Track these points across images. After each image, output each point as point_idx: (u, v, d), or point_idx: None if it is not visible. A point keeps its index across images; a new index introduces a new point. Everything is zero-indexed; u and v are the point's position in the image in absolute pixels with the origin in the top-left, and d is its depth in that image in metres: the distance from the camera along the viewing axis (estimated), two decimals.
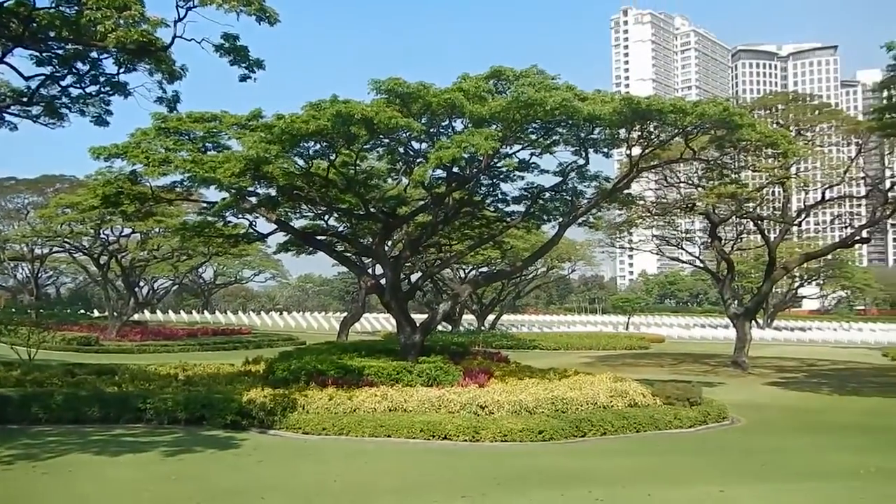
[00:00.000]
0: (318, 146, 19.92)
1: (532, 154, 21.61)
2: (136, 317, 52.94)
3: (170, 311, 76.20)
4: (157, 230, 44.52)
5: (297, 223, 26.61)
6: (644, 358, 38.93)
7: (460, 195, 22.50)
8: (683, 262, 53.80)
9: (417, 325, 21.83)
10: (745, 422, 17.67)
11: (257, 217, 23.29)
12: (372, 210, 23.09)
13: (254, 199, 22.19)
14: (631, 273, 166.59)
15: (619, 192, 23.97)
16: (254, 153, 17.95)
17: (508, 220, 25.44)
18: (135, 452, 12.50)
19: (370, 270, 32.49)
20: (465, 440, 13.68)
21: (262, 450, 13.03)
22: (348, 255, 27.47)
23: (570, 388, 16.77)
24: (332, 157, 20.26)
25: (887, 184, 37.18)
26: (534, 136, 20.25)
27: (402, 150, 21.39)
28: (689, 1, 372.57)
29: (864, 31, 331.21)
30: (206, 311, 79.17)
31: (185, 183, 22.36)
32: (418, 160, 20.86)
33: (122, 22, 12.72)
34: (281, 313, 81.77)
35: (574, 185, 23.46)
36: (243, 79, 14.61)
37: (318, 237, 25.75)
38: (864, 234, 37.80)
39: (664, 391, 17.75)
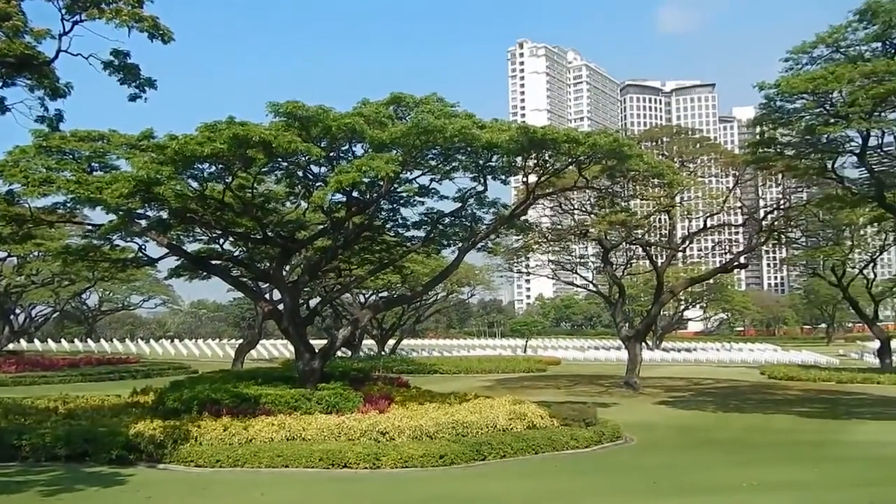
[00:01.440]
0: (213, 168, 19.36)
1: (432, 180, 21.84)
2: (10, 346, 49.12)
3: (49, 340, 71.01)
4: (36, 254, 41.71)
5: (191, 247, 25.69)
6: (542, 380, 39.75)
7: (360, 220, 22.40)
8: (578, 286, 55.68)
9: (316, 351, 21.41)
10: (637, 440, 18.33)
11: (147, 241, 22.30)
12: (270, 234, 22.60)
13: (144, 222, 21.24)
14: (528, 297, 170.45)
15: (516, 219, 24.54)
16: (144, 174, 17.22)
17: (409, 244, 25.53)
18: (8, 493, 11.52)
19: (267, 296, 31.66)
20: (366, 468, 13.47)
21: (151, 486, 12.33)
22: (244, 280, 26.70)
23: (471, 412, 16.90)
24: (228, 180, 19.72)
25: (761, 213, 40.07)
26: (434, 162, 20.48)
27: (301, 173, 21.13)
28: (580, 37, 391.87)
29: (738, 70, 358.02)
30: (90, 340, 74.39)
31: (68, 204, 21.10)
32: (318, 184, 20.65)
33: (1, 33, 11.95)
34: (172, 341, 78.04)
35: (473, 211, 23.85)
36: (133, 98, 13.98)
37: (213, 262, 24.91)
38: (742, 259, 40.46)
39: (561, 412, 18.18)
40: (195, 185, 20.33)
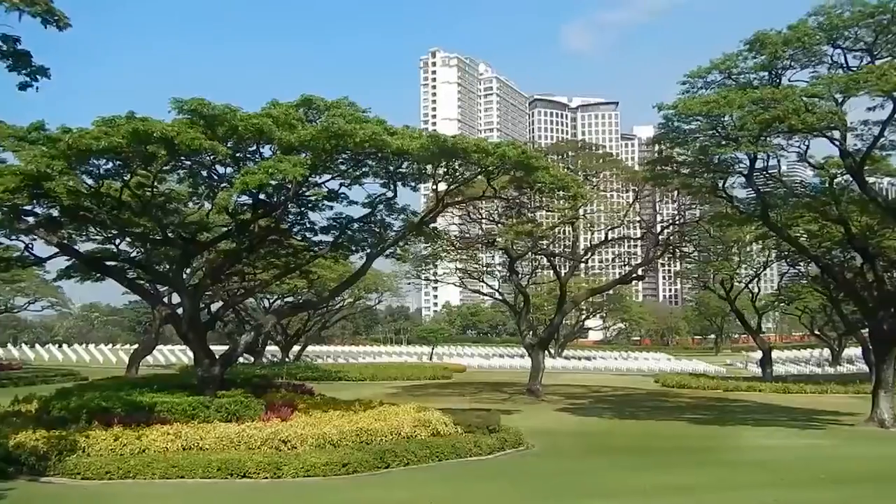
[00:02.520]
0: (110, 164, 18.44)
1: (342, 184, 21.64)
2: None
3: None
4: None
5: (84, 247, 24.35)
6: (447, 387, 40.01)
7: (267, 223, 21.91)
8: (484, 294, 56.39)
9: (217, 357, 20.72)
10: (538, 447, 18.74)
11: (35, 239, 20.96)
12: (170, 235, 21.71)
13: (31, 219, 19.97)
14: (436, 304, 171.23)
15: (425, 226, 24.66)
16: (33, 168, 16.21)
17: (316, 249, 25.16)
18: None
19: (166, 299, 30.42)
20: (267, 477, 13.13)
21: (32, 500, 11.56)
22: (141, 282, 25.52)
23: (376, 420, 16.82)
24: (126, 178, 18.84)
25: (658, 228, 42.01)
26: (344, 167, 20.31)
27: (205, 173, 20.43)
28: (492, 49, 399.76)
29: (639, 90, 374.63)
30: None
31: None
32: (223, 185, 20.05)
33: None
34: (60, 346, 73.54)
35: (382, 217, 23.80)
36: (23, 87, 13.11)
37: (108, 263, 23.68)
38: (640, 271, 42.26)
39: (465, 419, 18.36)
40: (90, 181, 19.32)
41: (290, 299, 49.34)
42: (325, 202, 22.45)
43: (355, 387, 38.96)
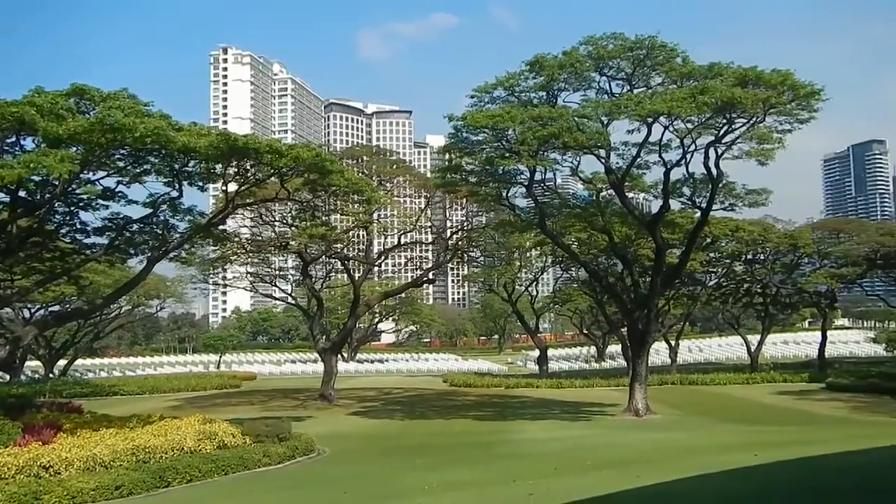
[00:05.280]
0: None
1: (119, 182, 19.97)
2: None
3: None
4: None
5: None
6: (236, 397, 38.40)
7: (28, 223, 19.59)
8: (277, 298, 55.00)
9: None
10: (330, 452, 18.63)
11: None
12: None
13: None
14: (224, 310, 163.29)
15: (214, 228, 23.54)
16: None
17: (88, 252, 22.92)
18: None
19: None
20: None
21: None
22: None
23: (155, 435, 15.64)
24: None
25: (448, 233, 43.79)
26: (122, 163, 18.76)
27: None
28: (287, 50, 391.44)
29: (432, 100, 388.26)
30: None
31: None
32: None
33: None
34: None
35: (166, 218, 22.32)
36: None
37: None
38: (431, 275, 43.75)
39: (254, 429, 17.74)
40: None
41: (55, 308, 44.48)
42: (100, 201, 20.53)
43: (133, 401, 36.01)
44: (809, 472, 12.08)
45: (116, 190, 20.24)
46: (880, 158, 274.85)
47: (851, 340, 73.13)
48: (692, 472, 12.11)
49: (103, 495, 12.41)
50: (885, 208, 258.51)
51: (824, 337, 48.41)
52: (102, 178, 19.37)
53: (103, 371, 61.47)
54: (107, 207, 21.23)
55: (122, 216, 21.84)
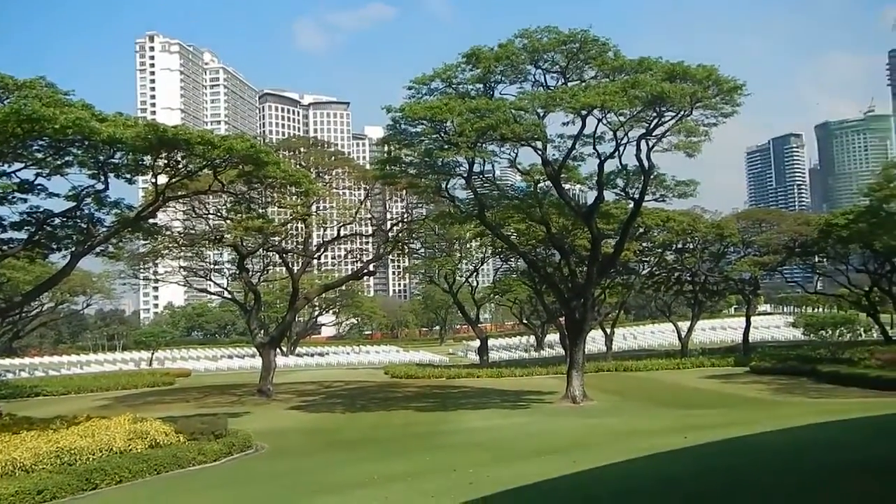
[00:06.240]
0: None
1: (38, 174, 19.06)
2: None
3: None
4: None
5: None
6: (169, 394, 37.35)
7: None
8: (212, 293, 53.66)
9: None
10: (269, 447, 18.34)
11: None
12: None
13: None
14: (156, 306, 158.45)
15: (143, 221, 22.80)
16: None
17: (5, 248, 21.83)
18: None
19: None
20: None
21: None
22: None
23: (81, 437, 15.05)
24: None
25: (388, 225, 43.59)
26: (41, 155, 17.92)
27: None
28: (217, 39, 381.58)
29: (371, 92, 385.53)
30: None
31: None
32: None
33: None
34: None
35: (91, 212, 21.48)
36: None
37: None
38: (371, 267, 43.45)
39: (189, 427, 17.31)
40: None
41: None
42: (17, 194, 19.54)
43: (57, 402, 34.61)
44: (734, 452, 12.56)
45: (35, 183, 19.33)
46: (797, 151, 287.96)
47: (773, 325, 76.23)
48: (627, 456, 12.43)
49: (24, 500, 11.87)
50: (803, 199, 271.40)
51: (748, 322, 50.40)
52: (19, 170, 18.50)
53: (24, 371, 58.68)
54: (25, 201, 20.29)
55: (42, 210, 20.91)
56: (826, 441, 13.42)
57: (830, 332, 51.77)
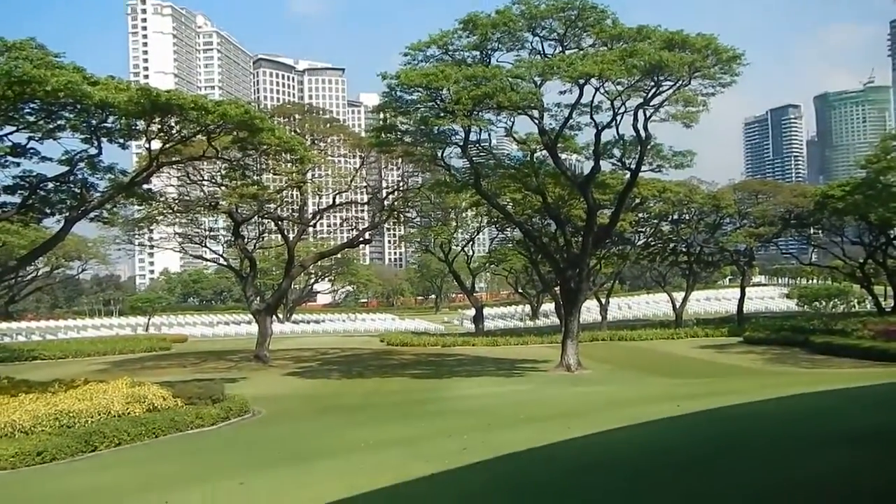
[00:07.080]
0: None
1: (31, 138, 18.91)
2: None
3: None
4: None
5: None
6: (166, 359, 37.55)
7: None
8: (207, 260, 53.63)
9: None
10: (265, 413, 18.49)
11: None
12: None
13: None
14: (152, 272, 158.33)
15: (137, 187, 22.68)
16: None
17: None
18: None
19: None
20: None
21: None
22: None
23: (79, 400, 15.17)
24: None
25: (384, 193, 43.44)
26: (32, 118, 17.73)
27: None
28: (210, 2, 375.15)
29: (367, 58, 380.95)
30: None
31: None
32: None
33: None
34: None
35: (84, 177, 21.35)
36: None
37: None
38: (367, 235, 43.43)
39: (186, 391, 17.44)
40: None
41: None
42: (10, 158, 19.39)
43: (54, 366, 34.80)
44: (726, 420, 12.71)
45: (28, 146, 19.17)
46: (795, 123, 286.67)
47: (767, 296, 76.70)
48: (620, 424, 12.56)
49: (24, 461, 12.01)
50: (799, 170, 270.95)
51: (743, 293, 50.64)
52: (11, 133, 18.31)
53: (21, 335, 58.83)
54: (18, 165, 20.15)
55: (35, 174, 20.77)
56: (817, 410, 13.60)
57: (824, 304, 52.05)
